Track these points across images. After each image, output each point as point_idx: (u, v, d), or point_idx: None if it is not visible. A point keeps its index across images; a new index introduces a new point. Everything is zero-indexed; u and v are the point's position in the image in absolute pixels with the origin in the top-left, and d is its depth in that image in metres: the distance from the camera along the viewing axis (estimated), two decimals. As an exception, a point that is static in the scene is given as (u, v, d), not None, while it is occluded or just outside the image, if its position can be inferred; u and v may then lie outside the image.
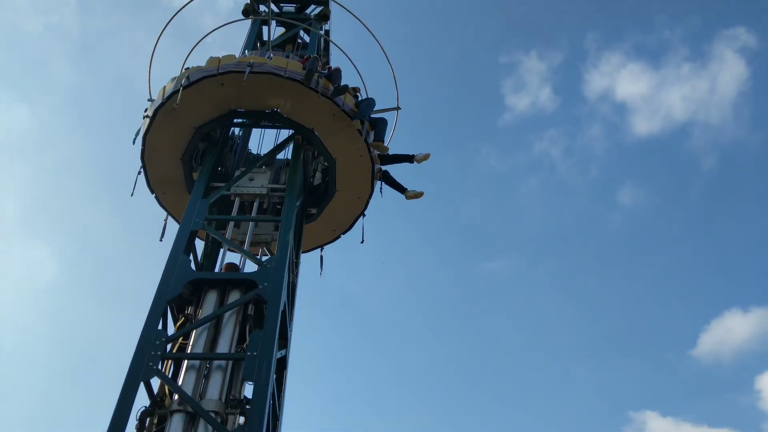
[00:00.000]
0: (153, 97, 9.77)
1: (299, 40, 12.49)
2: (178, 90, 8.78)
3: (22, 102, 30.06)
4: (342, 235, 10.41)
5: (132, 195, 9.50)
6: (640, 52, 34.26)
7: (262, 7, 12.39)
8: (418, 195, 10.14)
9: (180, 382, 6.80)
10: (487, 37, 34.71)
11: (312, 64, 9.09)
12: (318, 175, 10.07)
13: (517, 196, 33.65)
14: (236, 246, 8.17)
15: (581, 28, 34.88)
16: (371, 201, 10.00)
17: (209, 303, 7.50)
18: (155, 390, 6.88)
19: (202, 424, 6.41)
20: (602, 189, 34.09)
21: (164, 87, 9.23)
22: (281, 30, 12.59)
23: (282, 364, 7.76)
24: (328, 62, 10.43)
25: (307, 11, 12.77)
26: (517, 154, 34.10)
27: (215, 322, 7.33)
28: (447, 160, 32.02)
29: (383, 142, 9.61)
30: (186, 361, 7.00)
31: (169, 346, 7.08)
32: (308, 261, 10.31)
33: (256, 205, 8.87)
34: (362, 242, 10.11)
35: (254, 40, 11.98)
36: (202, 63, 9.14)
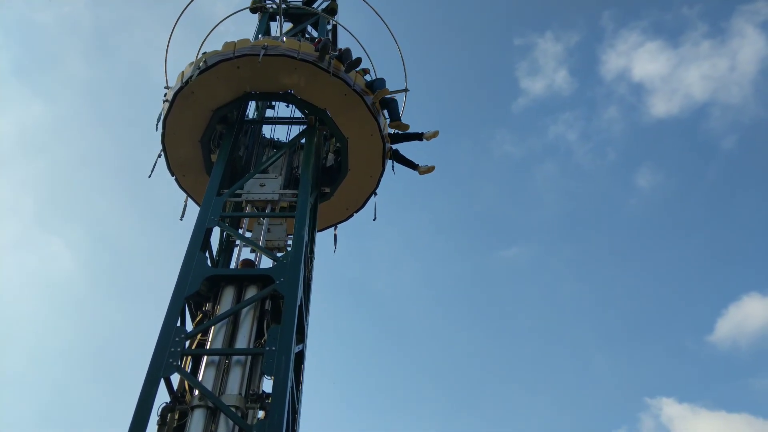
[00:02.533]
0: (170, 85, 10.01)
1: (307, 36, 12.52)
2: (196, 74, 9.14)
3: (36, 96, 30.24)
4: (355, 214, 10.72)
5: (150, 176, 9.80)
6: (658, 30, 33.63)
7: (269, 2, 12.46)
8: (430, 169, 10.47)
9: (200, 378, 6.86)
10: (501, 19, 34.24)
11: (325, 44, 9.36)
12: (330, 156, 10.38)
13: (532, 182, 33.39)
14: (252, 242, 8.22)
15: (598, 6, 34.30)
16: (384, 181, 10.31)
17: (227, 299, 7.56)
18: (175, 386, 6.96)
19: (222, 418, 6.47)
20: (619, 172, 33.70)
21: (182, 72, 9.58)
22: (289, 25, 12.63)
23: (300, 358, 7.81)
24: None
25: (315, 5, 12.79)
26: (532, 139, 33.82)
27: (233, 318, 7.39)
28: (461, 146, 31.86)
29: (399, 120, 9.91)
30: (205, 357, 7.06)
31: (188, 343, 7.13)
32: (322, 240, 10.55)
33: (268, 209, 8.88)
34: (374, 219, 10.42)
35: (263, 35, 11.96)
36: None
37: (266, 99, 10.11)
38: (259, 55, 9.05)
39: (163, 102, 9.79)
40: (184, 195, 10.30)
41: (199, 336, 7.26)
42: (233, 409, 6.49)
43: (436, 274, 31.86)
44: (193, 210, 9.73)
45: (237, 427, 6.44)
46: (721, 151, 32.73)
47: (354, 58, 9.58)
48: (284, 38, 10.17)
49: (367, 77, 10.04)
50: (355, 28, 11.92)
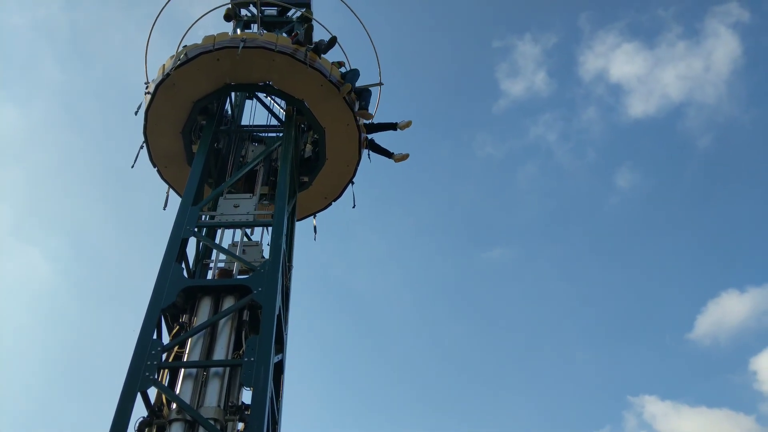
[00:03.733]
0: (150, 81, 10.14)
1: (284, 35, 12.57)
2: (178, 66, 9.34)
3: (10, 102, 29.69)
4: (333, 202, 11.01)
5: (132, 167, 10.02)
6: (635, 31, 34.08)
7: (244, 11, 12.48)
8: (404, 157, 10.80)
9: (177, 391, 6.77)
10: (479, 21, 34.47)
11: (301, 37, 9.72)
12: (308, 147, 10.61)
13: (514, 183, 33.68)
14: (228, 252, 8.13)
15: (575, 8, 34.69)
16: (366, 182, 10.79)
17: (204, 310, 7.48)
18: (152, 399, 6.85)
19: (201, 431, 6.38)
20: (599, 172, 34.16)
21: (163, 65, 9.75)
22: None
23: (279, 368, 7.74)
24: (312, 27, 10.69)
25: (289, 14, 12.79)
26: (513, 140, 34.12)
27: (211, 330, 7.30)
28: (443, 147, 32.00)
29: (368, 110, 10.15)
30: (183, 370, 6.97)
31: (164, 355, 7.04)
32: (302, 228, 10.88)
33: (241, 233, 8.59)
34: (353, 207, 10.78)
35: (242, 24, 12.25)
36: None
37: (245, 90, 10.46)
38: (238, 47, 9.29)
39: (145, 94, 9.97)
40: (165, 196, 10.44)
41: (176, 348, 7.17)
42: (212, 422, 6.41)
43: (419, 275, 31.94)
44: (175, 201, 9.99)
45: (216, 440, 6.36)
46: (697, 150, 33.35)
47: (329, 39, 10.00)
48: (263, 31, 10.44)
49: (342, 69, 10.30)
50: (332, 28, 12.04)
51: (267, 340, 6.86)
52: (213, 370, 6.93)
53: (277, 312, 7.25)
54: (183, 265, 7.96)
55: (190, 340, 7.20)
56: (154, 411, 6.75)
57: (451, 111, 33.69)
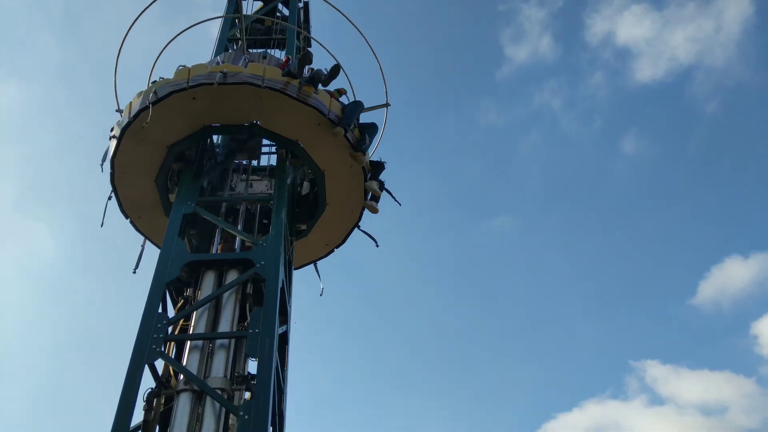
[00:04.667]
0: (121, 108, 9.15)
1: (278, 14, 12.33)
2: (146, 107, 8.09)
3: (10, 78, 29.60)
4: (336, 249, 9.82)
5: (102, 225, 8.81)
6: (643, -9, 33.78)
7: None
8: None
9: (184, 363, 6.88)
10: (483, -17, 34.08)
11: (292, 69, 8.47)
12: (306, 184, 9.37)
13: (518, 152, 33.44)
14: (231, 227, 8.18)
15: None
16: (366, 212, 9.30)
17: (207, 284, 7.57)
18: (160, 371, 6.98)
19: (209, 401, 6.51)
20: (605, 139, 33.85)
21: (130, 103, 8.53)
22: (259, 5, 12.43)
23: (283, 339, 7.85)
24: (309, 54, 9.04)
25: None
26: (517, 108, 33.75)
27: (215, 303, 7.40)
28: (445, 117, 31.68)
29: (367, 149, 8.78)
30: (189, 342, 7.08)
31: (170, 329, 7.14)
32: (303, 276, 9.84)
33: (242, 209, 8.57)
34: (373, 247, 9.43)
35: (227, 36, 11.39)
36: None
37: (228, 133, 8.85)
38: (215, 82, 8.06)
39: (110, 138, 8.75)
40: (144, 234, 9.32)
41: (181, 321, 7.27)
42: (219, 392, 6.53)
43: (421, 247, 32.02)
44: (152, 252, 8.92)
45: (224, 410, 6.49)
46: (705, 116, 33.09)
47: (331, 68, 8.66)
48: (248, 57, 9.24)
49: (344, 99, 9.09)
50: (330, 26, 11.66)
51: (271, 311, 6.96)
52: (219, 342, 7.03)
53: (280, 285, 7.34)
54: (186, 240, 8.03)
55: (195, 313, 7.30)
56: (162, 382, 6.88)
57: (453, 78, 33.31)
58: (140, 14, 10.29)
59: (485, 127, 33.20)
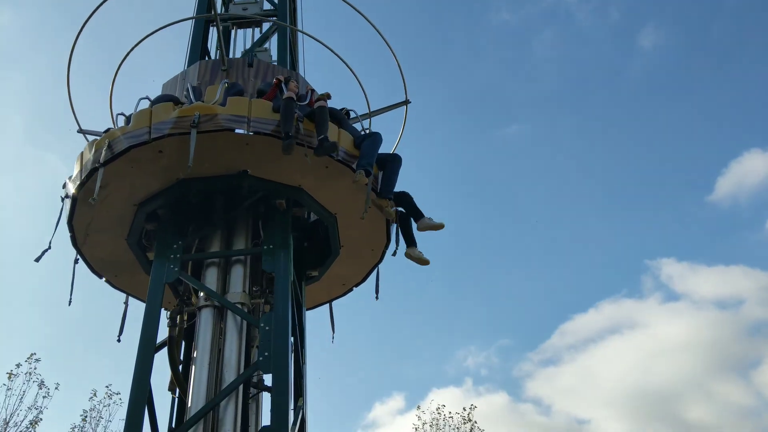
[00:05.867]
0: (81, 126, 8.47)
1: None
2: (98, 167, 6.68)
3: (4, 5, 28.97)
4: (355, 288, 8.58)
5: (69, 304, 7.40)
6: None
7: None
8: (438, 226, 7.04)
9: (203, 281, 7.04)
10: None
11: (286, 111, 6.61)
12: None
13: (531, 52, 32.62)
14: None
15: None
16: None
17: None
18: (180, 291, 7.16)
19: (230, 316, 6.71)
20: (622, 34, 32.85)
21: (81, 153, 7.10)
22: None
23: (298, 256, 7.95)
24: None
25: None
26: (529, 4, 32.62)
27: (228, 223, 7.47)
28: (456, 20, 30.69)
29: (390, 194, 6.99)
30: (206, 262, 7.20)
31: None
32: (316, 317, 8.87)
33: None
34: (377, 299, 7.96)
35: (200, 44, 9.43)
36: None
37: (210, 188, 7.09)
38: (187, 133, 6.49)
39: (63, 198, 7.27)
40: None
41: (197, 241, 7.38)
42: (239, 305, 6.72)
43: (436, 155, 31.80)
44: (137, 306, 7.95)
45: (245, 322, 6.70)
46: (726, 5, 31.87)
47: (332, 108, 7.14)
48: (227, 81, 7.48)
49: (353, 117, 7.89)
50: (329, 27, 10.45)
51: (284, 227, 7.07)
52: (234, 259, 7.16)
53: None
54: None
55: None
56: (184, 300, 7.08)
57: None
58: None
59: (498, 25, 32.14)
